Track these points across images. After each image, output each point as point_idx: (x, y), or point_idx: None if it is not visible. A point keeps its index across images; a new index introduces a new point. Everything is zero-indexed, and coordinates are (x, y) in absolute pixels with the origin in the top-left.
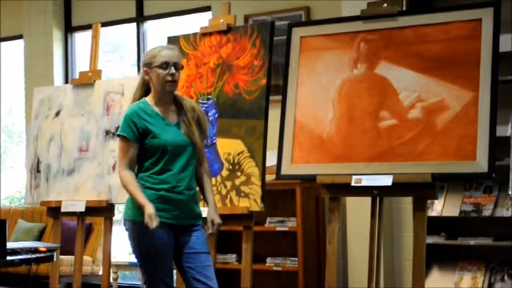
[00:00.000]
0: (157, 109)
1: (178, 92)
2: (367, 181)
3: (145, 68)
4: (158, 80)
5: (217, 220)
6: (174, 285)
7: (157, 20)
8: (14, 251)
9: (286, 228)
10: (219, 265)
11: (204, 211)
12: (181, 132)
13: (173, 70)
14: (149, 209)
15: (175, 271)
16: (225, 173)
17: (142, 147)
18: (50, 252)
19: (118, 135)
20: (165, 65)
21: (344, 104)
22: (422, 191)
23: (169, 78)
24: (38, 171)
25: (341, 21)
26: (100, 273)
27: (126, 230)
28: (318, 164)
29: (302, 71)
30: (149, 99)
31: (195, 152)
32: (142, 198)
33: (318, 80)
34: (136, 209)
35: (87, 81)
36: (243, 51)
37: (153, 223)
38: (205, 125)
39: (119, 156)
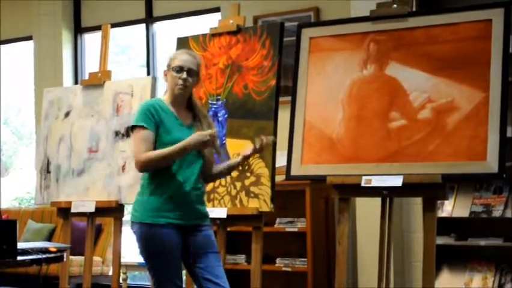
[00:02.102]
0: (171, 108)
1: (197, 99)
2: (377, 182)
3: (164, 69)
4: (171, 83)
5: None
6: (183, 286)
7: (166, 21)
8: (25, 251)
9: (296, 229)
10: (228, 266)
11: (212, 211)
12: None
13: (185, 75)
14: (193, 136)
15: (183, 272)
16: (234, 173)
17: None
18: (61, 252)
19: (134, 127)
20: (179, 69)
21: (354, 105)
22: (432, 191)
23: (180, 82)
24: (48, 171)
25: (350, 21)
26: (110, 273)
27: (134, 232)
28: (328, 164)
29: (312, 72)
30: (164, 98)
31: (202, 155)
32: (176, 146)
33: (328, 80)
34: (143, 211)
35: (97, 82)
36: (253, 52)
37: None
38: (218, 143)
39: (137, 146)
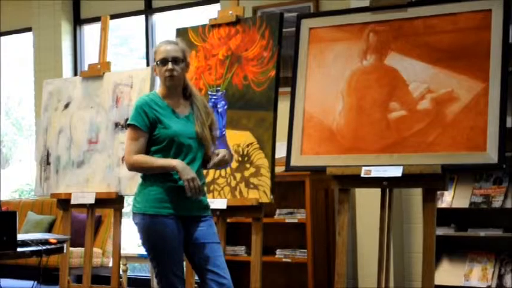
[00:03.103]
0: (166, 101)
1: (193, 87)
2: (377, 172)
3: (154, 63)
4: (160, 76)
5: (223, 153)
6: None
7: (165, 12)
8: (25, 243)
9: (296, 220)
10: (228, 257)
11: (211, 203)
12: (192, 126)
13: (170, 66)
14: (180, 163)
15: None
16: (234, 164)
17: (152, 138)
18: (60, 243)
19: (129, 125)
20: (164, 61)
21: (354, 96)
22: (431, 182)
23: (167, 74)
24: (48, 163)
25: (350, 12)
26: (110, 265)
27: (136, 223)
28: (328, 155)
29: (311, 63)
30: (159, 91)
31: (202, 147)
32: (164, 160)
33: (328, 71)
34: (145, 202)
35: (96, 73)
36: (252, 43)
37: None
38: (216, 132)
39: (128, 145)
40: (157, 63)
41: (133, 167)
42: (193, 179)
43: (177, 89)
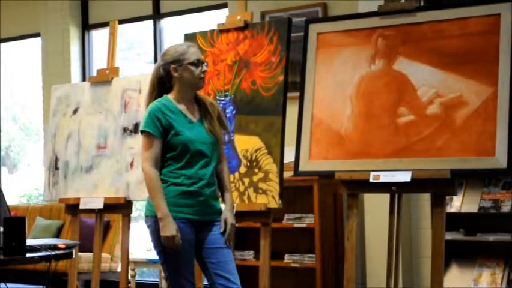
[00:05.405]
0: (179, 106)
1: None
2: (385, 177)
3: (173, 66)
4: (192, 77)
5: (230, 220)
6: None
7: (173, 17)
8: (33, 248)
9: (304, 225)
10: (236, 262)
11: (221, 207)
12: (204, 130)
13: (205, 67)
14: (164, 217)
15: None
16: (242, 169)
17: (165, 144)
18: (69, 249)
19: (142, 132)
20: (197, 62)
21: (362, 100)
22: (440, 187)
23: (202, 75)
24: (57, 168)
25: (358, 17)
26: (118, 270)
27: (148, 226)
28: (336, 160)
29: (319, 68)
30: (171, 96)
31: (216, 149)
32: (159, 201)
33: (336, 76)
34: None
35: (104, 78)
36: (260, 48)
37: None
38: (225, 120)
39: (144, 153)
40: (189, 64)
41: (144, 179)
42: (172, 237)
43: (194, 93)
